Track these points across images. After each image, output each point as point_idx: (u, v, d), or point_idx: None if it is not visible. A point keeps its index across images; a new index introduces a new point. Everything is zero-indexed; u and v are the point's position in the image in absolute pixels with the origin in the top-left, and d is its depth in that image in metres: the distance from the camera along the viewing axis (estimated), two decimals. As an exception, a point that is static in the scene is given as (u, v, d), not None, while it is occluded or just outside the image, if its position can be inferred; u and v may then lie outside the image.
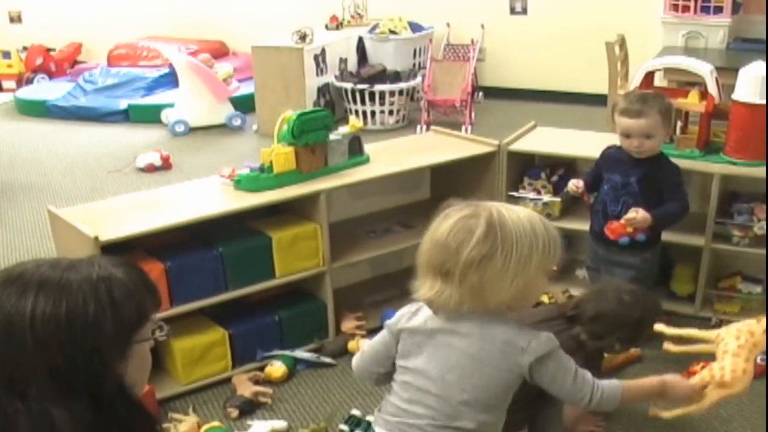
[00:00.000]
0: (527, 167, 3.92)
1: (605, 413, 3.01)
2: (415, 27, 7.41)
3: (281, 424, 3.02)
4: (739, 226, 3.52)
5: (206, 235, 3.24)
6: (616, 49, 5.65)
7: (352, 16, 7.53)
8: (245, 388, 3.17)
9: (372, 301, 3.74)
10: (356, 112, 6.69)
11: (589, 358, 2.53)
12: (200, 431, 2.96)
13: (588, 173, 3.45)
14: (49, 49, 8.80)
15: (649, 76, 3.64)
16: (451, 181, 3.83)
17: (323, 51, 6.76)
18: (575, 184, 3.36)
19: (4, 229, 4.97)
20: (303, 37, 6.56)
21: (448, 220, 1.82)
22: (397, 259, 3.73)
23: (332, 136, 3.46)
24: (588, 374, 1.98)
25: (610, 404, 2.02)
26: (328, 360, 3.42)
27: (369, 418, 3.00)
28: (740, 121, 3.42)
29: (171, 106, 7.01)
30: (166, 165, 5.90)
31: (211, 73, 6.85)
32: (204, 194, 3.34)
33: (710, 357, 2.15)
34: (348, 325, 3.57)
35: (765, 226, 3.46)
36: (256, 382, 3.23)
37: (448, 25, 7.62)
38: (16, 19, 9.34)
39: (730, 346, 2.05)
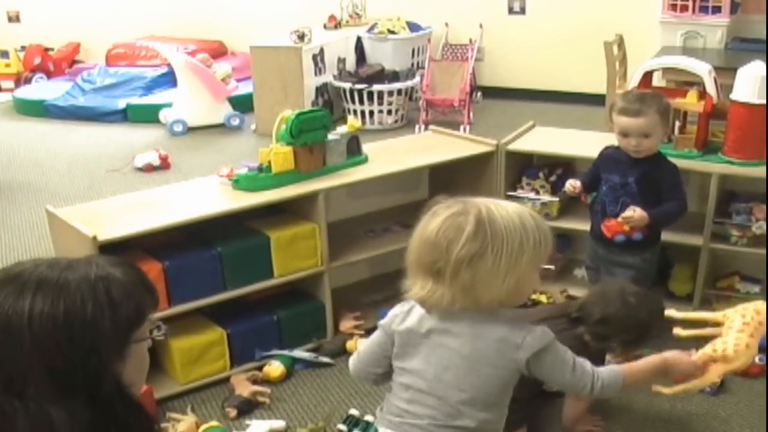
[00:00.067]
0: (526, 167, 3.92)
1: (604, 413, 3.02)
2: (413, 27, 7.41)
3: (279, 423, 3.02)
4: (737, 225, 3.53)
5: (204, 234, 3.23)
6: (615, 48, 5.65)
7: (351, 16, 7.53)
8: (243, 388, 3.17)
9: (370, 300, 3.74)
10: (354, 111, 6.69)
11: (591, 359, 2.53)
12: (198, 431, 2.96)
13: (586, 173, 3.45)
14: (47, 49, 8.79)
15: (648, 75, 3.64)
16: (450, 180, 3.83)
17: (322, 51, 6.76)
18: (572, 185, 3.36)
19: (2, 228, 4.97)
20: (301, 37, 6.55)
21: (437, 218, 1.80)
22: (395, 258, 3.68)
23: (331, 136, 3.46)
24: (587, 363, 1.97)
25: (612, 391, 2.02)
26: (326, 360, 3.42)
27: (367, 417, 3.00)
28: (738, 121, 3.42)
29: (169, 105, 7.01)
30: (164, 165, 5.90)
31: (210, 73, 6.84)
32: (202, 194, 3.34)
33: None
34: (346, 324, 3.58)
35: (763, 226, 3.46)
36: (255, 382, 3.23)
37: (446, 24, 7.62)
38: (14, 18, 9.33)
39: (735, 323, 2.05)
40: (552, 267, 3.94)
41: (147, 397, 2.81)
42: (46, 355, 1.26)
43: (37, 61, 8.62)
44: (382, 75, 6.82)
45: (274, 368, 3.30)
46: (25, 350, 1.26)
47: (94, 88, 7.56)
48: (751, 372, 3.23)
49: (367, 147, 3.67)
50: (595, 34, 6.11)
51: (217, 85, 6.86)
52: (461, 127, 6.35)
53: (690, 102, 3.56)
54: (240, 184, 3.29)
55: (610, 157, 3.32)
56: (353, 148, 3.55)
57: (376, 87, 6.66)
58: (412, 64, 7.30)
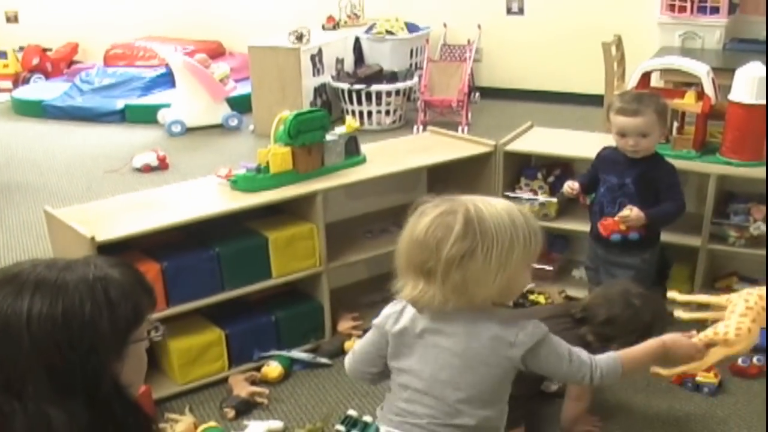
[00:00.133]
0: (524, 167, 3.92)
1: (603, 414, 3.02)
2: (411, 27, 7.40)
3: (278, 424, 3.02)
4: (735, 226, 3.53)
5: (203, 235, 3.23)
6: (613, 49, 5.66)
7: (349, 17, 7.53)
8: (242, 389, 3.16)
9: (369, 301, 3.73)
10: (353, 112, 6.69)
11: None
12: (196, 431, 2.96)
13: (584, 175, 3.45)
14: (45, 49, 8.78)
15: (646, 76, 3.64)
16: (448, 181, 3.82)
17: (320, 51, 6.76)
18: (570, 186, 3.36)
19: (0, 229, 4.96)
20: (300, 38, 6.55)
21: (425, 218, 1.80)
22: (393, 259, 3.72)
23: (329, 137, 3.46)
24: (583, 353, 1.96)
25: (612, 378, 2.01)
26: (324, 360, 3.42)
27: (366, 418, 3.00)
28: (737, 122, 3.43)
29: (167, 106, 7.00)
30: (162, 165, 5.89)
31: (208, 74, 6.84)
32: (200, 194, 3.34)
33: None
34: (344, 325, 3.57)
35: (761, 227, 3.46)
36: (253, 383, 3.23)
37: (444, 25, 7.62)
38: (12, 18, 9.32)
39: (738, 307, 2.04)
40: (550, 268, 3.95)
41: (145, 398, 2.81)
42: (44, 355, 1.26)
43: (35, 61, 8.61)
44: (380, 75, 6.82)
45: (273, 369, 3.30)
46: (24, 350, 1.26)
47: (92, 88, 7.55)
48: (749, 372, 3.24)
49: (365, 147, 3.67)
50: (594, 34, 6.11)
51: (216, 85, 6.86)
52: (459, 128, 6.35)
53: (688, 103, 3.57)
54: (238, 184, 3.29)
55: (607, 158, 3.32)
56: (351, 149, 3.55)
57: (374, 87, 6.66)
58: (411, 65, 7.30)
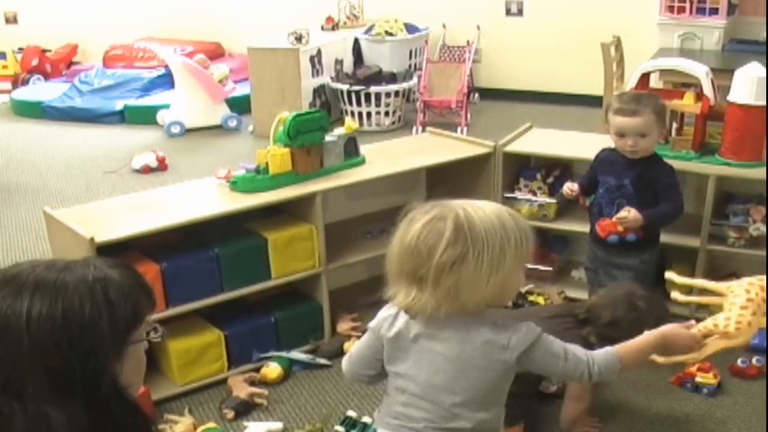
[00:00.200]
0: (523, 168, 3.92)
1: (602, 415, 3.02)
2: (410, 28, 7.41)
3: (277, 425, 3.02)
4: (734, 227, 3.53)
5: (202, 236, 3.23)
6: (612, 50, 5.66)
7: (348, 17, 7.53)
8: (241, 390, 3.16)
9: (368, 302, 3.73)
10: (352, 113, 6.69)
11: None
12: (196, 432, 2.96)
13: (584, 176, 3.45)
14: (44, 50, 8.78)
15: (645, 77, 3.64)
16: (447, 182, 3.83)
17: (319, 52, 6.76)
18: (569, 188, 3.36)
19: (-1, 230, 4.97)
20: (299, 38, 6.55)
21: (415, 224, 1.79)
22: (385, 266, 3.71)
23: (328, 138, 3.46)
24: (579, 351, 1.96)
25: (610, 373, 2.00)
26: (323, 361, 3.42)
27: (365, 419, 3.00)
28: (736, 123, 3.43)
29: (167, 107, 7.01)
30: (161, 166, 5.89)
31: (207, 75, 6.84)
32: (200, 195, 3.34)
33: (718, 310, 2.12)
34: (344, 326, 3.57)
35: (760, 227, 3.46)
36: (252, 384, 3.23)
37: (443, 26, 7.62)
38: (11, 19, 9.32)
39: (739, 299, 2.03)
40: (550, 268, 3.95)
41: (144, 399, 2.81)
42: (44, 356, 1.26)
43: (34, 62, 8.61)
44: (379, 76, 6.82)
45: (272, 370, 3.30)
46: (24, 351, 1.26)
47: (91, 89, 7.56)
48: (748, 373, 3.24)
49: (364, 148, 3.67)
50: (593, 35, 6.11)
51: (215, 86, 6.86)
52: (458, 129, 6.35)
53: (687, 103, 3.57)
54: (237, 185, 3.29)
55: (606, 159, 3.32)
56: (351, 150, 3.55)
57: (373, 88, 6.67)
58: (410, 66, 7.31)
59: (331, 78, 6.87)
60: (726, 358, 3.19)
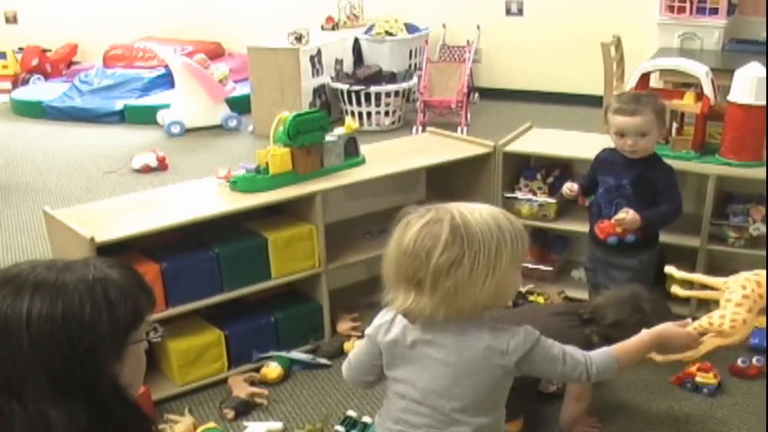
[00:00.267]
0: (523, 168, 3.92)
1: (601, 415, 3.02)
2: (410, 28, 7.41)
3: (277, 425, 3.02)
4: (734, 227, 3.53)
5: (202, 236, 3.23)
6: (612, 50, 5.66)
7: (348, 17, 7.53)
8: (241, 389, 3.16)
9: (368, 302, 3.72)
10: (352, 113, 6.69)
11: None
12: (196, 432, 2.96)
13: (585, 177, 3.45)
14: (44, 50, 8.78)
15: (645, 77, 3.64)
16: (447, 182, 3.83)
17: (319, 52, 6.76)
18: (569, 188, 3.37)
19: (-1, 230, 4.97)
20: (299, 38, 6.55)
21: (412, 228, 1.79)
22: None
23: (328, 138, 3.46)
24: (578, 353, 1.96)
25: (608, 374, 2.01)
26: (323, 361, 3.42)
27: (365, 419, 3.00)
28: (736, 122, 3.43)
29: (167, 107, 7.01)
30: (161, 166, 5.89)
31: (207, 74, 6.84)
32: (200, 195, 3.34)
33: (716, 304, 2.12)
34: (344, 326, 3.57)
35: (760, 227, 3.46)
36: (252, 383, 3.23)
37: (443, 26, 7.62)
38: (11, 19, 9.31)
39: (734, 296, 2.02)
40: (550, 268, 3.95)
41: (144, 399, 2.81)
42: (44, 356, 1.26)
43: (34, 62, 8.61)
44: (379, 76, 6.82)
45: (272, 369, 3.30)
46: (24, 351, 1.26)
47: (91, 89, 7.55)
48: (748, 373, 3.24)
49: (364, 148, 3.67)
50: (593, 35, 6.11)
51: (215, 86, 6.86)
52: (458, 129, 6.35)
53: (687, 103, 3.57)
54: (237, 185, 3.29)
55: (605, 159, 3.32)
56: (351, 150, 3.55)
57: (373, 88, 6.66)
58: (410, 66, 7.31)
59: (331, 78, 6.87)
60: (726, 358, 3.19)
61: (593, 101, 6.27)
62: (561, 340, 1.97)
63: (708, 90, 3.47)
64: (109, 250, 2.81)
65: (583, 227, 3.52)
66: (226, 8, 8.33)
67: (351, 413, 3.06)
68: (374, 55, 7.25)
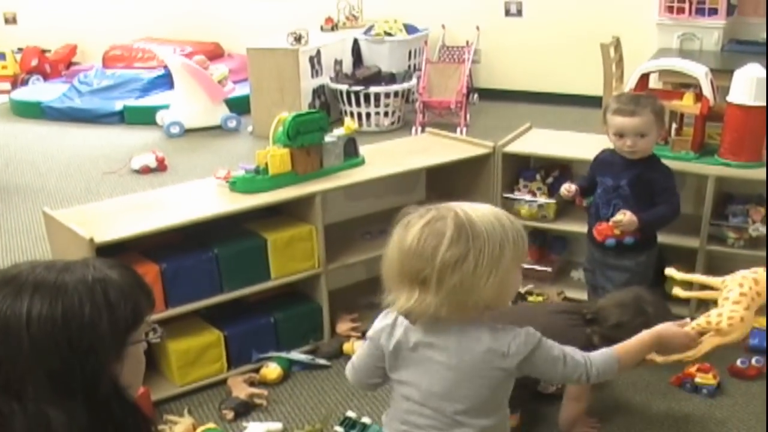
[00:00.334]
0: (522, 169, 3.92)
1: (601, 415, 3.02)
2: (410, 29, 7.41)
3: (277, 425, 3.02)
4: (734, 227, 3.53)
5: (201, 236, 3.23)
6: (611, 50, 5.66)
7: (347, 18, 7.54)
8: (240, 390, 3.16)
9: (367, 302, 3.73)
10: (351, 113, 6.69)
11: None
12: (195, 433, 2.96)
13: (584, 178, 3.45)
14: (44, 51, 8.78)
15: (644, 78, 3.64)
16: (447, 182, 3.83)
17: (318, 52, 6.76)
18: (567, 188, 3.37)
19: (-2, 230, 4.97)
20: (298, 39, 6.56)
21: (414, 228, 1.79)
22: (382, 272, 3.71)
23: (327, 138, 3.46)
24: (578, 354, 1.96)
25: (608, 374, 2.01)
26: (323, 362, 3.42)
27: (364, 419, 3.00)
28: (735, 123, 3.43)
29: (166, 107, 7.01)
30: (161, 166, 5.89)
31: (207, 75, 6.84)
32: (199, 196, 3.34)
33: (716, 304, 2.12)
34: (343, 326, 3.57)
35: (759, 228, 3.46)
36: (252, 384, 3.23)
37: (443, 26, 7.62)
38: (11, 20, 9.32)
39: (732, 294, 2.02)
40: (549, 269, 3.95)
41: (144, 399, 2.81)
42: (44, 356, 1.26)
43: (33, 62, 8.62)
44: (378, 77, 6.82)
45: (271, 370, 3.30)
46: (24, 352, 1.26)
47: (90, 89, 7.56)
48: (748, 374, 3.24)
49: (363, 149, 3.67)
50: (592, 36, 6.12)
51: (214, 87, 6.86)
52: (458, 129, 6.35)
53: (687, 104, 3.57)
54: (237, 186, 3.29)
55: (604, 160, 3.32)
56: (350, 150, 3.55)
57: (372, 89, 6.67)
58: (409, 66, 7.31)
59: (331, 78, 6.87)
60: (725, 359, 3.19)
61: (593, 102, 6.27)
62: (561, 338, 1.97)
63: (707, 91, 3.47)
64: (108, 250, 2.81)
65: (582, 228, 3.52)
66: (226, 9, 8.33)
67: (350, 414, 3.05)
68: (373, 56, 7.25)
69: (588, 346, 2.57)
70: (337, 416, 3.07)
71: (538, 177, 3.84)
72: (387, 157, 3.72)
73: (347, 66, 7.18)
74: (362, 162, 3.58)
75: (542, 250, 4.00)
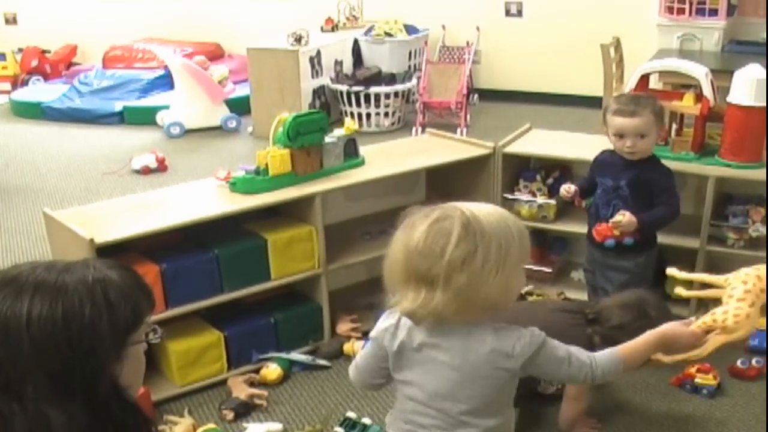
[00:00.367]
0: (522, 169, 3.92)
1: (601, 416, 3.02)
2: (410, 29, 7.41)
3: (277, 426, 3.02)
4: (734, 228, 3.53)
5: (201, 237, 3.23)
6: (611, 51, 5.66)
7: (348, 18, 7.54)
8: (240, 391, 3.16)
9: (367, 303, 3.73)
10: (351, 114, 6.69)
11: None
12: (195, 433, 2.96)
13: (584, 178, 3.45)
14: (44, 51, 8.78)
15: (645, 78, 3.64)
16: (447, 183, 3.83)
17: (318, 53, 6.76)
18: (566, 189, 3.37)
19: (-2, 231, 4.97)
20: (298, 39, 6.55)
21: (419, 228, 1.78)
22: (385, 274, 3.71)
23: (327, 139, 3.46)
24: (583, 354, 1.96)
25: (613, 375, 2.00)
26: (323, 362, 3.42)
27: (364, 420, 3.00)
28: (735, 124, 3.43)
29: (166, 108, 7.01)
30: (161, 167, 5.90)
31: (207, 75, 6.84)
32: (199, 196, 3.34)
33: (718, 303, 2.11)
34: (343, 327, 3.57)
35: (760, 228, 3.46)
36: (252, 384, 3.23)
37: (443, 27, 7.62)
38: (11, 20, 9.32)
39: (736, 291, 2.01)
40: (549, 270, 3.95)
41: (144, 400, 2.81)
42: (44, 357, 1.26)
43: (33, 63, 8.62)
44: (379, 77, 6.82)
45: (271, 371, 3.30)
46: (24, 352, 1.26)
47: (91, 90, 7.56)
48: (748, 374, 3.24)
49: (363, 149, 3.67)
50: (592, 36, 6.11)
51: (214, 87, 6.86)
52: (458, 130, 6.35)
53: (687, 105, 3.57)
54: (237, 186, 3.29)
55: (604, 161, 3.32)
56: (350, 151, 3.55)
57: (373, 89, 6.66)
58: (409, 67, 7.31)
59: (331, 79, 6.87)
60: (725, 359, 3.19)
61: (593, 102, 6.27)
62: (562, 336, 1.96)
63: (707, 91, 3.47)
64: (108, 251, 2.81)
65: (582, 228, 3.52)
66: (226, 9, 8.33)
67: (351, 414, 3.06)
68: (374, 57, 7.25)
69: (588, 345, 2.57)
70: (338, 417, 3.07)
71: (538, 177, 3.84)
72: (387, 158, 3.72)
73: (347, 66, 7.18)
74: (362, 162, 3.58)
75: (542, 250, 4.00)
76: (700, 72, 3.52)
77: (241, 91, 7.05)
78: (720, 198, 3.60)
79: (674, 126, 3.60)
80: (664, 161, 3.29)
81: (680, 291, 2.21)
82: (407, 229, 1.81)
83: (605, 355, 1.99)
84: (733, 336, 2.00)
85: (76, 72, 8.16)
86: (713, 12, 6.27)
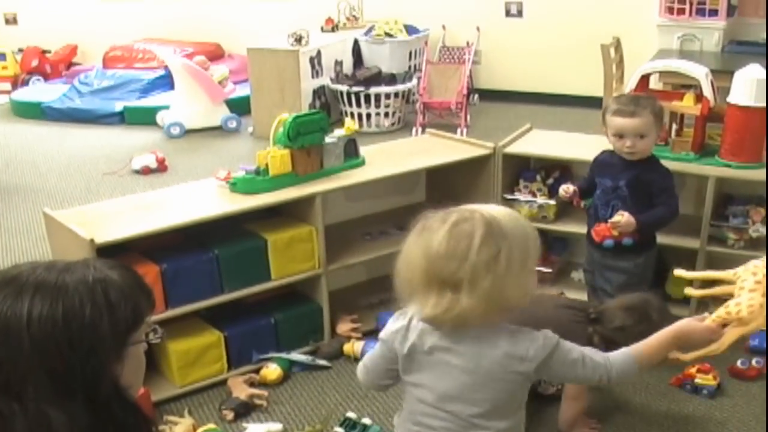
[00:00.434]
0: (522, 170, 3.92)
1: (601, 416, 3.02)
2: (410, 29, 7.41)
3: (277, 426, 3.02)
4: (734, 228, 3.53)
5: (202, 237, 3.23)
6: (612, 51, 5.66)
7: (348, 19, 7.54)
8: (241, 391, 3.16)
9: (367, 303, 3.74)
10: (352, 114, 6.69)
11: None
12: (196, 434, 2.96)
13: (584, 179, 3.45)
14: (44, 51, 8.79)
15: (645, 78, 3.64)
16: (447, 183, 3.83)
17: (319, 53, 6.76)
18: (565, 189, 3.37)
19: (-1, 231, 4.97)
20: (298, 40, 6.55)
21: (438, 232, 1.76)
22: (392, 261, 3.70)
23: (328, 139, 3.46)
24: (597, 355, 1.95)
25: (628, 376, 1.99)
26: (323, 362, 3.42)
27: (365, 420, 3.00)
28: (735, 124, 3.43)
29: (166, 108, 7.01)
30: (161, 167, 5.90)
31: (207, 75, 6.84)
32: (199, 196, 3.34)
33: (723, 301, 2.10)
34: (343, 327, 3.57)
35: (760, 229, 3.46)
36: (252, 385, 3.23)
37: (443, 27, 7.63)
38: (11, 20, 9.32)
39: (747, 283, 2.00)
40: (549, 270, 3.95)
41: (144, 400, 2.81)
42: (44, 357, 1.26)
43: (34, 63, 8.62)
44: (379, 78, 6.82)
45: (272, 371, 3.30)
46: (24, 352, 1.26)
47: (91, 90, 7.56)
48: (748, 374, 3.24)
49: (364, 150, 3.67)
50: (592, 37, 6.11)
51: (215, 87, 6.86)
52: (458, 130, 6.35)
53: (687, 105, 3.57)
54: (237, 186, 3.29)
55: (603, 161, 3.32)
56: (350, 151, 3.55)
57: (373, 90, 6.67)
58: (410, 67, 7.31)
59: (331, 79, 6.87)
60: (725, 360, 3.19)
61: (593, 103, 6.26)
62: (562, 332, 1.96)
63: (708, 91, 3.47)
64: (109, 251, 2.81)
65: (582, 229, 3.52)
66: (226, 10, 8.33)
67: (351, 415, 3.05)
68: (374, 57, 7.25)
69: (587, 344, 2.57)
70: (338, 417, 3.07)
71: (538, 178, 3.84)
72: (387, 158, 3.72)
73: (348, 67, 7.18)
74: (362, 163, 3.58)
75: (542, 251, 3.99)
76: (700, 72, 3.52)
77: (242, 91, 7.05)
78: (720, 198, 3.60)
79: (674, 126, 3.60)
80: (664, 161, 3.29)
81: (690, 291, 2.20)
82: (424, 233, 1.79)
83: (620, 355, 1.97)
84: (749, 327, 1.98)
85: (76, 72, 8.17)
86: (713, 12, 6.27)
